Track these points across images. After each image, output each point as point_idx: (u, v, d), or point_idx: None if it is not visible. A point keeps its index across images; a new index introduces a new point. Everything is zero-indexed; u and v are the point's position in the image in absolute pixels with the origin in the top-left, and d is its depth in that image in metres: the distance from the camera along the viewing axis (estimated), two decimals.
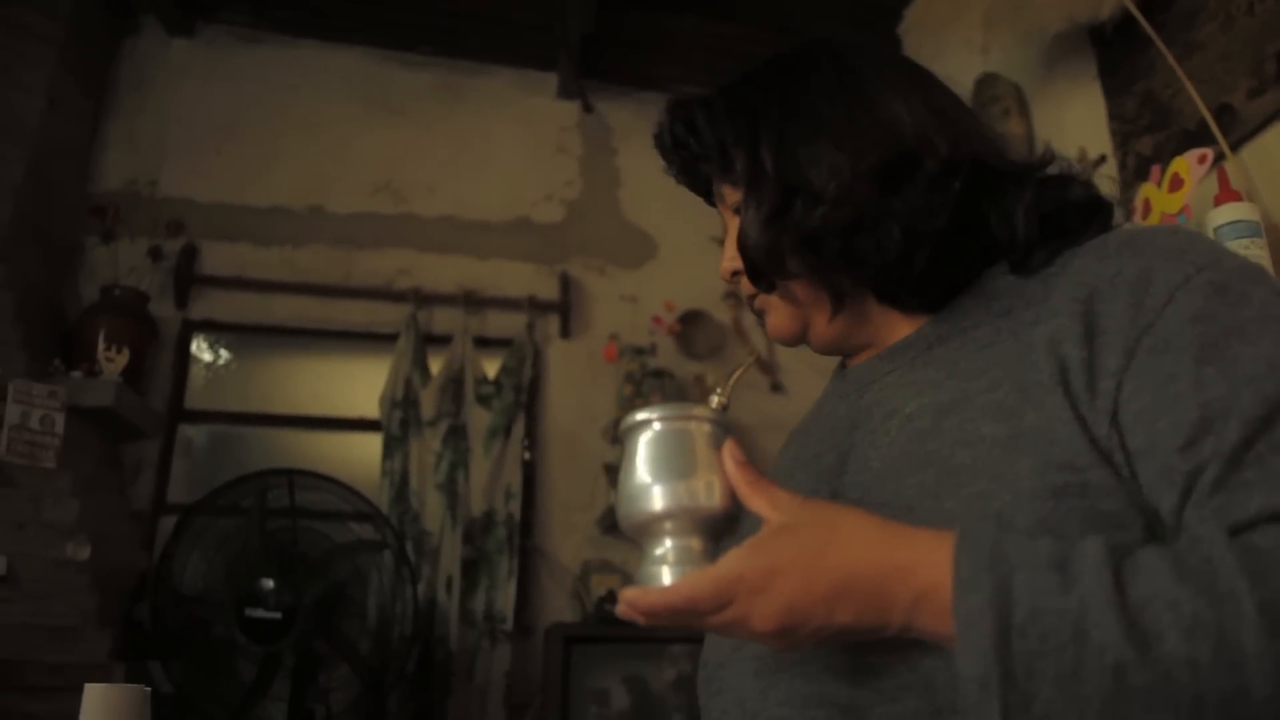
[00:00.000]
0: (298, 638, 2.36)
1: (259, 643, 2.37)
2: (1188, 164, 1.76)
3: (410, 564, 2.69)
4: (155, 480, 3.06)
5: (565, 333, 3.44)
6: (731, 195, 0.85)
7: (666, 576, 0.64)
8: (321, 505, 2.59)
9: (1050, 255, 0.75)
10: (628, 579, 3.18)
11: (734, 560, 0.62)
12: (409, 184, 3.51)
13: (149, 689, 1.12)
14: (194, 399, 3.24)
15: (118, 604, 2.61)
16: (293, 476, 2.52)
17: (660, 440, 0.67)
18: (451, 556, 3.00)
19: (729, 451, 0.67)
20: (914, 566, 0.60)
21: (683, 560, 0.65)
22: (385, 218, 3.46)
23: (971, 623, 0.56)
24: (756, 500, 0.66)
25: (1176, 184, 1.77)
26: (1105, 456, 0.65)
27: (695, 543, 0.66)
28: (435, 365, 3.24)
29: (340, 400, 3.33)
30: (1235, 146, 1.89)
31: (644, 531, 0.67)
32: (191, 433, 3.23)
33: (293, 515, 2.52)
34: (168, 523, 2.87)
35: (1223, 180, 1.71)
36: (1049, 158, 0.81)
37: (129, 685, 1.12)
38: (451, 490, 3.08)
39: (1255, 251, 1.60)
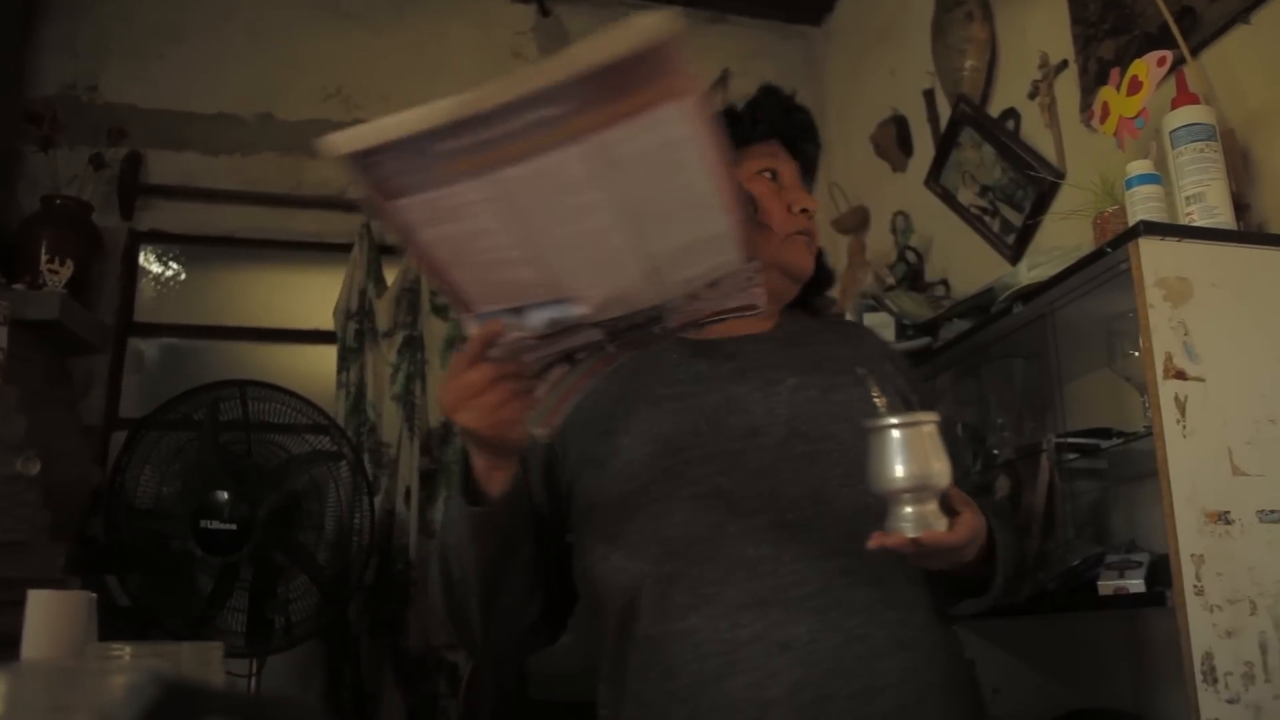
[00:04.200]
0: (254, 549, 2.36)
1: (216, 555, 2.37)
2: (1146, 67, 1.74)
3: (367, 475, 2.69)
4: (106, 395, 3.02)
5: None
6: (798, 178, 1.31)
7: (911, 531, 0.99)
8: (276, 417, 2.57)
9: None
10: None
11: (969, 521, 1.02)
12: (360, 90, 3.41)
13: (94, 594, 1.11)
14: (144, 312, 3.18)
15: (71, 519, 2.59)
16: (245, 388, 2.49)
17: (903, 435, 1.00)
18: (410, 467, 2.99)
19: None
20: (982, 529, 1.06)
21: (922, 519, 1.00)
22: (337, 125, 3.26)
23: (1004, 559, 1.12)
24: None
25: (1135, 87, 1.75)
26: None
27: (930, 507, 1.00)
28: (390, 275, 3.19)
29: (294, 312, 3.27)
30: (1196, 50, 1.87)
31: (892, 498, 1.00)
32: (142, 346, 3.18)
33: (246, 428, 2.50)
34: (120, 437, 2.82)
35: (1181, 83, 1.69)
36: None
37: (74, 591, 1.11)
38: (409, 401, 3.06)
39: (1210, 155, 1.60)
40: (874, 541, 0.99)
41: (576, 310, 0.89)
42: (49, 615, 1.08)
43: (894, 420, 1.00)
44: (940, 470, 0.99)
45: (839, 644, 1.04)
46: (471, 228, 0.82)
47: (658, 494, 1.11)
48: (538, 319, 0.91)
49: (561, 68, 0.69)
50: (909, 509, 1.00)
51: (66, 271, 2.69)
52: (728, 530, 1.09)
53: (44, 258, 2.71)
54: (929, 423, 1.01)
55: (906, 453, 0.99)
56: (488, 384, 0.93)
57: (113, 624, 2.43)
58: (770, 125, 1.28)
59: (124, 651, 0.97)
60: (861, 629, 1.06)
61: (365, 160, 0.76)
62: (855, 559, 1.06)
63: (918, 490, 0.99)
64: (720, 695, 1.03)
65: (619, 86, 0.71)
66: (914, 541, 0.98)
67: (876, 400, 1.06)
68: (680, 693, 1.05)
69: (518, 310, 0.90)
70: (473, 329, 0.93)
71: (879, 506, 1.02)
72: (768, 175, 1.27)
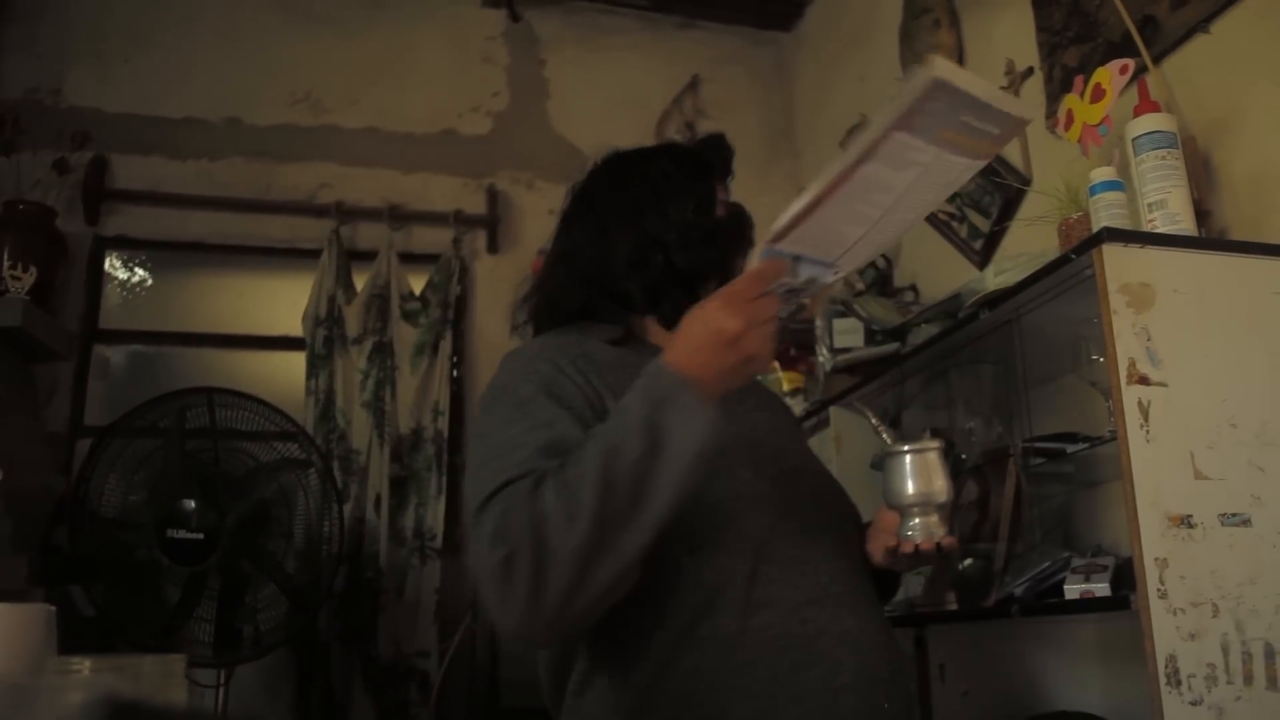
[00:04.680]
0: (222, 557, 2.34)
1: (182, 564, 2.34)
2: (1109, 74, 1.75)
3: (336, 482, 2.67)
4: (71, 402, 2.98)
5: (493, 247, 3.39)
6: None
7: (919, 538, 1.19)
8: (244, 424, 2.54)
9: None
10: None
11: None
12: (330, 95, 3.39)
13: (53, 608, 1.09)
14: (110, 318, 3.14)
15: (35, 528, 2.56)
16: (212, 395, 2.47)
17: (912, 460, 1.20)
18: (379, 474, 2.98)
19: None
20: None
21: (927, 529, 1.19)
22: (306, 130, 3.35)
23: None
24: None
25: (1098, 95, 1.77)
26: None
27: (933, 518, 1.19)
28: (360, 281, 3.18)
29: (262, 318, 3.25)
30: (1157, 59, 1.90)
31: (904, 511, 1.21)
32: (108, 353, 3.14)
33: (213, 435, 2.48)
34: (85, 445, 2.79)
35: (1143, 91, 1.71)
36: None
37: (32, 605, 1.09)
38: (378, 408, 3.04)
39: (1171, 162, 1.61)
40: (907, 546, 1.19)
41: (827, 278, 1.04)
42: (6, 629, 1.06)
43: (905, 447, 1.21)
44: (941, 488, 1.20)
45: (874, 632, 1.15)
46: (890, 180, 0.95)
47: (720, 494, 1.13)
48: (805, 273, 1.03)
49: (1015, 104, 0.94)
50: (917, 520, 1.20)
51: (29, 278, 2.66)
52: (777, 530, 1.15)
53: (6, 263, 2.67)
54: (933, 449, 1.22)
55: (915, 473, 1.20)
56: (771, 315, 1.01)
57: (77, 635, 2.41)
58: (726, 166, 1.39)
59: (83, 666, 0.96)
60: (877, 620, 1.19)
61: (937, 92, 0.87)
62: (852, 560, 1.23)
63: (924, 505, 1.20)
64: (797, 687, 1.07)
65: (1002, 134, 0.94)
66: (939, 546, 1.18)
67: (884, 434, 1.27)
68: (753, 688, 1.06)
69: (796, 259, 1.02)
70: (756, 261, 1.02)
71: (846, 511, 1.27)
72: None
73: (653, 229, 1.27)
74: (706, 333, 1.00)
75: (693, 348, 1.01)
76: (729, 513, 1.13)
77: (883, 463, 1.23)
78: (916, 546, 1.18)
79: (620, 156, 1.41)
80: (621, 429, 1.00)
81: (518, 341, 3.43)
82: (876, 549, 1.26)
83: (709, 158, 1.37)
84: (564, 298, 1.32)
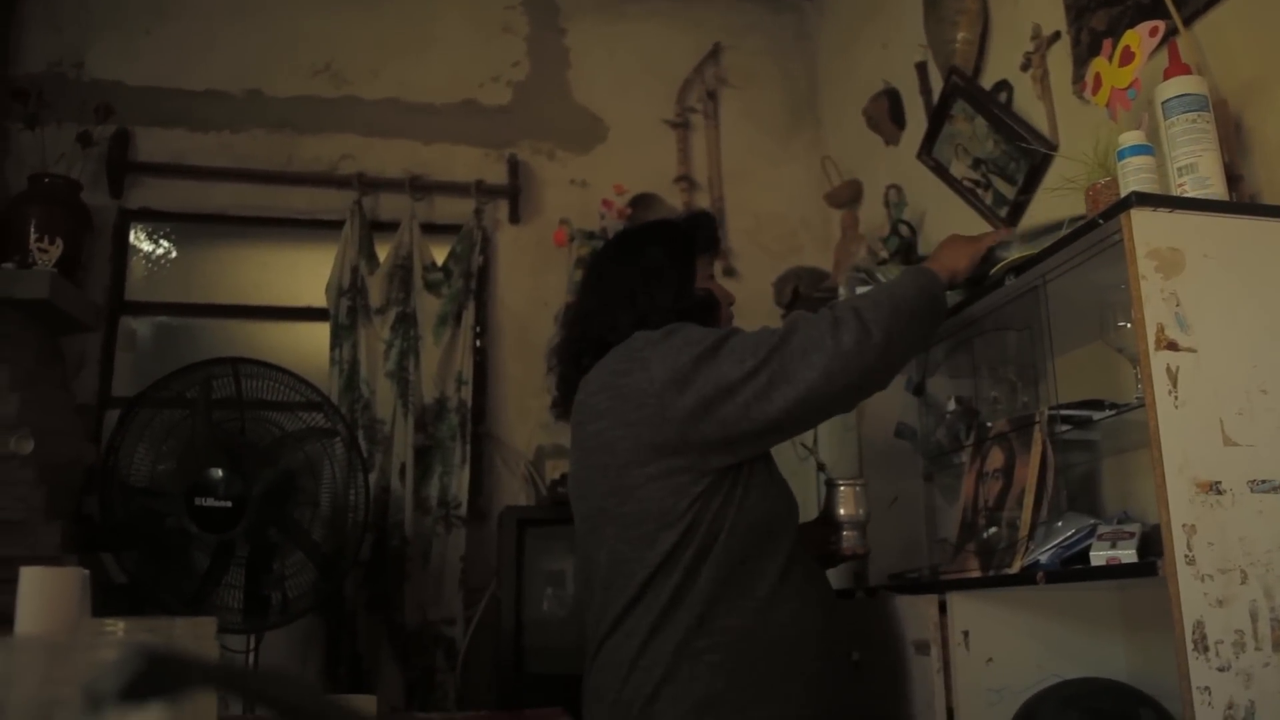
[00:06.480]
0: (249, 526, 2.37)
1: (211, 532, 2.37)
2: (1139, 37, 1.72)
3: (361, 451, 2.68)
4: (99, 373, 3.01)
5: (514, 218, 3.39)
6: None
7: (850, 548, 1.85)
8: (270, 394, 2.56)
9: None
10: None
11: None
12: (350, 66, 3.39)
13: (87, 571, 1.11)
14: (135, 290, 3.17)
15: (66, 497, 2.59)
16: (238, 365, 2.48)
17: (844, 491, 1.85)
18: (404, 444, 3.00)
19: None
20: None
21: (852, 540, 1.84)
22: (327, 101, 3.35)
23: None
24: None
25: (1127, 58, 1.74)
26: None
27: (858, 532, 1.84)
28: (382, 252, 3.19)
29: (286, 289, 3.27)
30: (1188, 20, 1.86)
31: (839, 525, 1.83)
32: (134, 325, 3.17)
33: (240, 405, 2.49)
34: (114, 416, 2.82)
35: (1173, 54, 1.68)
36: None
37: (67, 569, 1.10)
38: (402, 378, 3.06)
39: (1202, 125, 1.59)
40: (846, 551, 1.85)
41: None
42: (42, 592, 1.07)
43: (841, 483, 1.85)
44: (865, 512, 1.84)
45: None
46: None
47: (784, 531, 1.65)
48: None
49: None
50: (847, 533, 1.83)
51: (56, 250, 2.68)
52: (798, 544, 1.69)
53: (33, 236, 2.69)
54: (860, 484, 1.86)
55: (846, 502, 1.83)
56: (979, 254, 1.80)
57: (109, 601, 2.44)
58: (710, 242, 1.84)
59: (117, 627, 0.98)
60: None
61: None
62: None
63: (853, 523, 1.83)
64: (815, 595, 1.63)
65: None
66: (867, 553, 1.89)
67: (825, 471, 2.04)
68: (794, 593, 1.59)
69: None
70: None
71: None
72: (712, 278, 1.84)
73: (642, 309, 1.66)
74: (959, 247, 1.76)
75: (949, 252, 1.77)
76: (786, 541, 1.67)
77: (827, 491, 1.85)
78: (853, 551, 1.84)
79: (626, 236, 1.85)
80: (900, 283, 1.65)
81: (541, 310, 3.57)
82: (810, 552, 1.74)
83: (693, 237, 1.78)
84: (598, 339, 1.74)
